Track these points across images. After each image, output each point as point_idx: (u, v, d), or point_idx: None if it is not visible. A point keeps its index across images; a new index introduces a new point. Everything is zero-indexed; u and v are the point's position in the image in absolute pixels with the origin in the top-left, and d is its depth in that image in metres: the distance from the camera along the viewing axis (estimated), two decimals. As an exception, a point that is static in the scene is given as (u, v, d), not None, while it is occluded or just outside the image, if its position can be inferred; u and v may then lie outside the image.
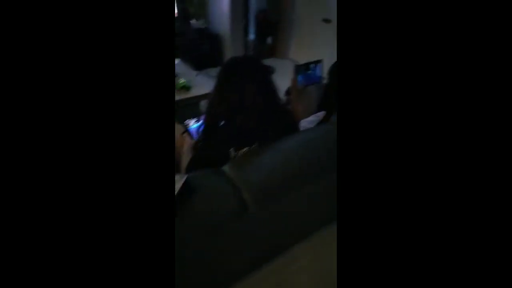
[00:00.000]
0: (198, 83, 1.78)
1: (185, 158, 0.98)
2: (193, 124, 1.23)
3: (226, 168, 0.73)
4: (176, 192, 0.62)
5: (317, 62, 1.08)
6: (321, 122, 0.97)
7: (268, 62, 3.04)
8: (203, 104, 1.94)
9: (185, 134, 1.14)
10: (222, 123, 0.84)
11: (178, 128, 1.21)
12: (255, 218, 0.70)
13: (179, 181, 0.66)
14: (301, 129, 0.99)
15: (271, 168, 0.72)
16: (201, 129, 0.92)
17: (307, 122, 0.98)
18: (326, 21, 2.50)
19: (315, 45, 2.74)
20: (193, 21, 2.83)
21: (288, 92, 1.11)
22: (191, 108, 1.92)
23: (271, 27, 3.01)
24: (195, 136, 1.09)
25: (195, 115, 1.43)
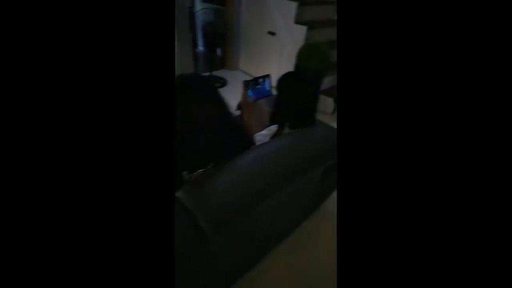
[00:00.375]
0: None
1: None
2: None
3: (180, 193, 0.68)
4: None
5: (265, 76, 1.10)
6: (274, 136, 0.98)
7: (219, 73, 3.02)
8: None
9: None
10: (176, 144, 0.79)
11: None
12: (217, 244, 0.66)
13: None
14: (257, 143, 0.99)
15: (227, 189, 0.70)
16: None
17: (261, 136, 0.98)
18: (271, 33, 2.59)
19: (263, 57, 2.82)
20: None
21: (239, 107, 1.10)
22: None
23: (219, 39, 3.01)
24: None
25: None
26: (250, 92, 1.06)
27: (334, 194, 1.40)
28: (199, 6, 3.50)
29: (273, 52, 2.65)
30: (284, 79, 0.99)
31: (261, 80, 1.09)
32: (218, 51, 3.47)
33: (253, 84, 1.07)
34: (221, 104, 0.83)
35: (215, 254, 0.71)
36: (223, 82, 2.89)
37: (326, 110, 2.41)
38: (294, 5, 2.23)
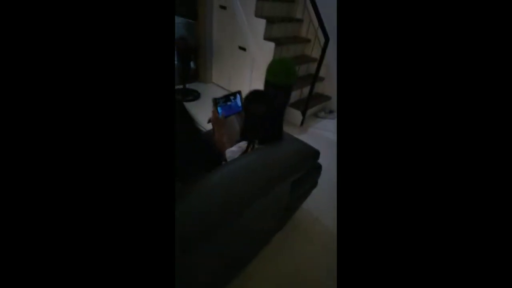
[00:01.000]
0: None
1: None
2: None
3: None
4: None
5: (236, 93, 1.11)
6: (245, 151, 1.00)
7: (192, 86, 3.01)
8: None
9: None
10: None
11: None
12: (184, 264, 0.66)
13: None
14: (228, 159, 1.00)
15: (196, 209, 0.70)
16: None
17: (231, 153, 0.99)
18: (242, 49, 2.64)
19: (235, 71, 2.87)
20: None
21: (209, 121, 1.10)
22: None
23: (192, 53, 3.01)
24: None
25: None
26: (220, 109, 1.07)
27: (304, 206, 1.44)
28: (170, 20, 3.47)
29: (245, 66, 2.71)
30: (250, 97, 1.02)
31: (232, 97, 1.11)
32: (192, 64, 3.46)
33: (223, 101, 1.08)
34: (189, 120, 0.83)
35: (185, 275, 0.70)
36: (196, 95, 2.88)
37: (295, 123, 2.49)
38: (263, 22, 2.31)
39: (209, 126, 1.12)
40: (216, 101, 1.05)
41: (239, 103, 1.13)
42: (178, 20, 3.32)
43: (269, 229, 1.26)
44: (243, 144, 1.00)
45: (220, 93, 1.08)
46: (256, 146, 1.00)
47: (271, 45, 2.31)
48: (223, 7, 2.65)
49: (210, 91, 3.04)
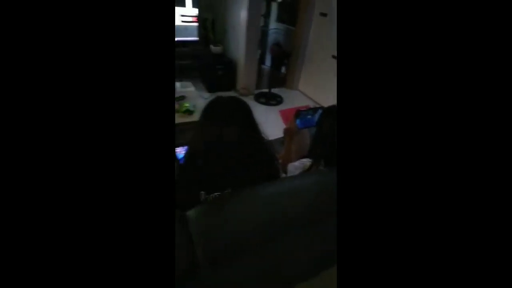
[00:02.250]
0: (201, 108, 1.75)
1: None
2: (180, 152, 1.17)
3: (191, 213, 0.65)
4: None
5: (318, 108, 1.07)
6: (308, 169, 0.88)
7: (278, 91, 3.01)
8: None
9: (172, 162, 1.09)
10: (200, 161, 0.77)
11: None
12: (209, 280, 0.61)
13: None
14: (288, 173, 0.92)
15: (237, 222, 0.64)
16: (181, 162, 0.86)
17: (292, 167, 0.90)
18: (335, 57, 2.46)
19: (322, 80, 2.70)
20: (212, 46, 2.88)
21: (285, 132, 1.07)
22: (187, 133, 1.88)
23: (285, 58, 3.01)
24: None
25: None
26: (298, 121, 1.02)
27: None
28: (272, 25, 3.59)
29: (334, 77, 2.51)
30: (327, 112, 0.89)
31: (312, 111, 1.06)
32: (283, 70, 3.48)
33: (305, 114, 1.05)
34: (254, 128, 0.78)
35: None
36: (279, 100, 2.86)
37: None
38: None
39: (272, 136, 1.06)
40: (298, 113, 1.01)
41: (316, 118, 1.05)
42: (279, 26, 3.38)
43: (307, 268, 1.10)
44: (307, 162, 0.89)
45: (304, 101, 1.06)
46: (321, 167, 0.87)
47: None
48: (323, 14, 2.53)
49: (294, 98, 2.97)
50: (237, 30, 2.70)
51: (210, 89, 2.83)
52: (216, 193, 0.73)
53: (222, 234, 0.60)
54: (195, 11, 2.75)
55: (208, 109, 0.78)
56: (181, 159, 1.10)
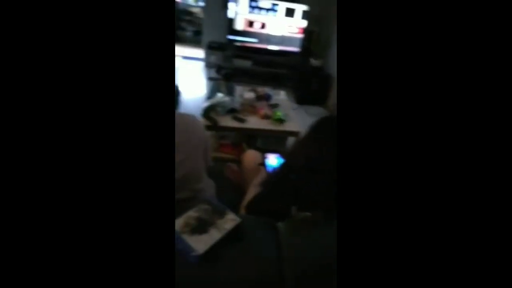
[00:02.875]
0: (292, 118, 1.77)
1: (251, 191, 0.96)
2: (272, 159, 1.20)
3: (281, 226, 0.65)
4: (226, 232, 0.59)
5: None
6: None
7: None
8: (290, 142, 1.92)
9: (261, 166, 1.13)
10: (295, 176, 0.77)
11: (257, 157, 1.21)
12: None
13: (232, 221, 0.63)
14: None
15: (326, 248, 0.60)
16: (276, 170, 0.88)
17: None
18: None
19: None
20: (312, 59, 2.89)
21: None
22: (277, 141, 1.92)
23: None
24: (269, 172, 1.06)
25: (278, 150, 1.41)
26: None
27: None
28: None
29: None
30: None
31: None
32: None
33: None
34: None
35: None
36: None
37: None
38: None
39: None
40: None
41: None
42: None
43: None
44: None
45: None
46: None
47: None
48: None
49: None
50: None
51: (300, 101, 2.83)
52: (308, 212, 0.71)
53: (312, 255, 0.58)
54: (303, 23, 2.81)
55: (317, 127, 0.77)
56: (271, 166, 1.14)
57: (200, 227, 0.59)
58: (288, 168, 0.80)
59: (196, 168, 0.91)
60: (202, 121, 0.83)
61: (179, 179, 0.82)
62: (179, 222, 0.60)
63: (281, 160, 1.16)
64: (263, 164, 1.13)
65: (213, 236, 0.58)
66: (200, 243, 0.55)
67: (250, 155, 1.21)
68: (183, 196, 0.85)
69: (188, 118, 0.92)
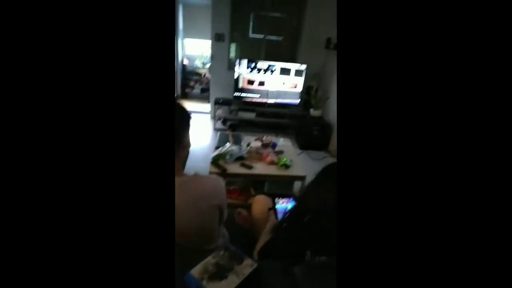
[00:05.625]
0: (297, 163, 1.81)
1: (263, 236, 0.94)
2: (282, 204, 1.20)
3: (298, 271, 0.64)
4: (244, 277, 0.58)
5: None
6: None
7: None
8: (296, 186, 1.93)
9: (271, 211, 1.13)
10: (307, 218, 0.78)
11: (267, 202, 1.21)
12: None
13: (249, 267, 0.62)
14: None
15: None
16: (287, 214, 0.88)
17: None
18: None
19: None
20: (311, 110, 3.08)
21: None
22: (284, 185, 1.93)
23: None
24: (280, 217, 1.05)
25: (286, 194, 1.41)
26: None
27: None
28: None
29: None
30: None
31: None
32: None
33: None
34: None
35: None
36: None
37: None
38: None
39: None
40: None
41: None
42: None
43: None
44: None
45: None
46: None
47: None
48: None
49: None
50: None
51: (302, 146, 2.94)
52: (322, 257, 0.70)
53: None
54: (299, 80, 3.12)
55: (328, 171, 0.80)
56: (286, 209, 1.13)
57: (219, 273, 0.59)
58: (300, 211, 0.81)
59: (214, 226, 0.84)
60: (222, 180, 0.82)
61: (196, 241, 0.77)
62: (198, 269, 0.59)
63: (294, 203, 1.16)
64: (273, 208, 1.13)
65: (232, 281, 0.57)
66: (219, 289, 0.54)
67: (260, 200, 1.21)
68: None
69: (215, 180, 0.84)
